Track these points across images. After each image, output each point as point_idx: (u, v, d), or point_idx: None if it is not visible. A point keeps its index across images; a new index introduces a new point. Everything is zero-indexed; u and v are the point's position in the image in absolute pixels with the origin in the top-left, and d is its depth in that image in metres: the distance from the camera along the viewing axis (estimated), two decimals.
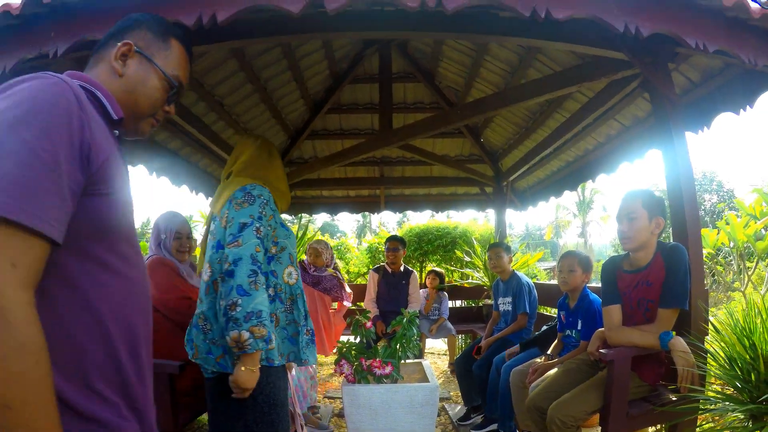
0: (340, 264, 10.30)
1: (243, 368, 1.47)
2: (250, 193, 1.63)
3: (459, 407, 3.96)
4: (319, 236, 6.86)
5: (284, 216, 3.91)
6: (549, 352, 2.99)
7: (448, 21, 2.16)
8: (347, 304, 3.99)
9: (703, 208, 23.93)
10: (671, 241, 2.39)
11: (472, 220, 9.65)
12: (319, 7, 1.51)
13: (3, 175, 0.66)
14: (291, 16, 1.55)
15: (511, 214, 5.86)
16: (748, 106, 2.64)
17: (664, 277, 2.15)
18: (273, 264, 1.69)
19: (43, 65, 2.16)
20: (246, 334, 1.44)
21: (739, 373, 1.90)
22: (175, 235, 2.61)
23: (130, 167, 3.24)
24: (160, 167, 3.59)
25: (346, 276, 10.38)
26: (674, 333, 2.10)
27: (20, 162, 0.67)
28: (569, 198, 37.24)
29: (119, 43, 1.00)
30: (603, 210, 37.54)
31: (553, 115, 3.92)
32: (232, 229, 1.56)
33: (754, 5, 1.90)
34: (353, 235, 35.85)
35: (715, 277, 6.60)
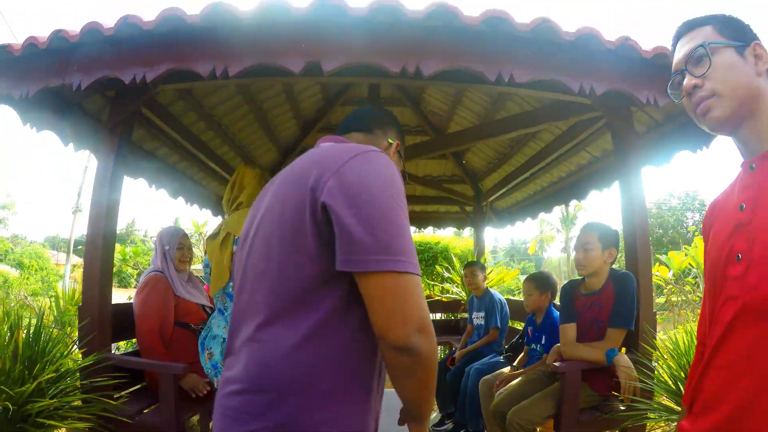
0: None
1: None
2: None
3: (435, 414, 4.21)
4: None
5: None
6: (515, 363, 3.26)
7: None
8: None
9: (685, 226, 24.70)
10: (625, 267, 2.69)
11: (454, 235, 9.95)
12: (316, 69, 1.77)
13: (406, 242, 0.89)
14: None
15: (496, 229, 6.12)
16: (704, 147, 2.94)
17: (614, 300, 2.44)
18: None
19: (65, 98, 2.41)
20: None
21: (675, 388, 2.21)
22: (177, 246, 2.87)
23: (131, 179, 3.49)
24: (159, 179, 3.82)
25: None
26: (620, 350, 2.39)
27: (406, 229, 0.90)
28: (553, 214, 37.90)
29: (396, 142, 1.28)
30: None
31: (530, 143, 4.22)
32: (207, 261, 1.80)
33: None
34: None
35: (684, 296, 6.96)
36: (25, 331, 2.18)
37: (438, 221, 6.50)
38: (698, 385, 0.96)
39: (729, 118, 0.95)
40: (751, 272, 0.86)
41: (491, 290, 4.17)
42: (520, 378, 2.85)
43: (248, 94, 3.70)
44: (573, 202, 4.97)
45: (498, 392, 2.84)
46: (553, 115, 3.10)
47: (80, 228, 20.52)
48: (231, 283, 1.94)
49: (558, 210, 23.91)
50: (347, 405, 0.93)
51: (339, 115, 5.09)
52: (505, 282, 6.16)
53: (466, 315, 5.36)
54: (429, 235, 8.41)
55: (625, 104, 2.68)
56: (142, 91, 2.03)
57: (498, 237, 68.38)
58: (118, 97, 2.45)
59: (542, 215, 5.97)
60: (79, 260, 22.09)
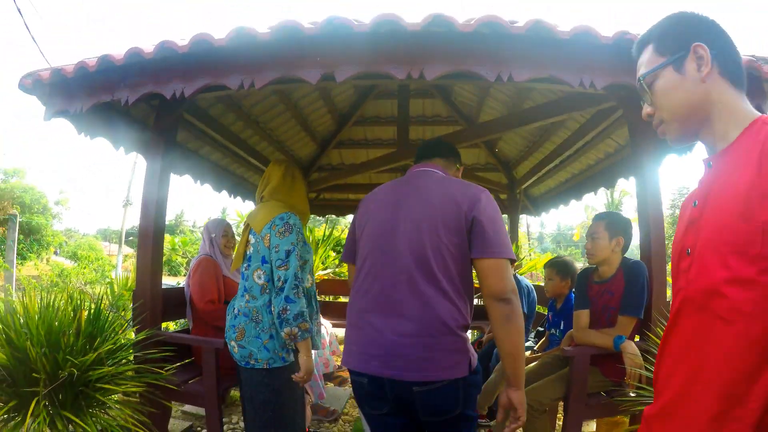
0: None
1: (303, 356, 2.08)
2: (287, 222, 2.15)
3: None
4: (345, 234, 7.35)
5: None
6: (536, 347, 3.40)
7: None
8: None
9: None
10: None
11: None
12: (331, 79, 1.97)
13: (508, 242, 1.59)
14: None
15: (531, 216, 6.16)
16: None
17: (624, 288, 2.54)
18: (301, 273, 2.18)
19: (114, 108, 2.70)
20: (295, 330, 2.02)
21: None
22: (222, 234, 3.25)
23: (177, 176, 3.82)
24: (203, 175, 4.15)
25: None
26: (634, 338, 2.49)
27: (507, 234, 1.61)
28: (598, 199, 36.68)
29: (462, 167, 2.05)
30: (634, 212, 36.72)
31: (557, 132, 4.27)
32: (280, 254, 2.09)
33: None
34: None
35: None
36: (86, 312, 2.53)
37: None
38: (656, 372, 1.01)
39: (682, 138, 1.02)
40: (693, 266, 0.92)
41: (519, 277, 4.27)
42: (536, 361, 2.99)
43: (283, 93, 3.95)
44: (619, 187, 4.97)
45: None
46: (573, 105, 3.16)
47: (130, 220, 21.76)
48: (244, 265, 2.22)
49: (603, 195, 23.20)
50: None
51: (371, 108, 5.26)
52: (537, 269, 6.21)
53: None
54: None
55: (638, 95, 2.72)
56: (183, 100, 2.28)
57: (544, 222, 66.88)
58: (162, 106, 2.74)
59: (587, 201, 5.97)
60: (130, 250, 23.51)
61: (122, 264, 20.24)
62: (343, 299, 7.15)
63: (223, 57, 2.05)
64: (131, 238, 28.05)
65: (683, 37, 1.00)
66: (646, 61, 1.06)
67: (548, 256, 6.74)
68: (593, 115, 3.46)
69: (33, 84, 2.38)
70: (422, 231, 1.60)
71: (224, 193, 4.72)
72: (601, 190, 4.85)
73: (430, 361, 1.53)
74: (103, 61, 2.13)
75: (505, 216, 8.00)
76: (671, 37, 1.02)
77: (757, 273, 0.79)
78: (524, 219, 24.56)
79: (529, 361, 3.09)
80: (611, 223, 2.64)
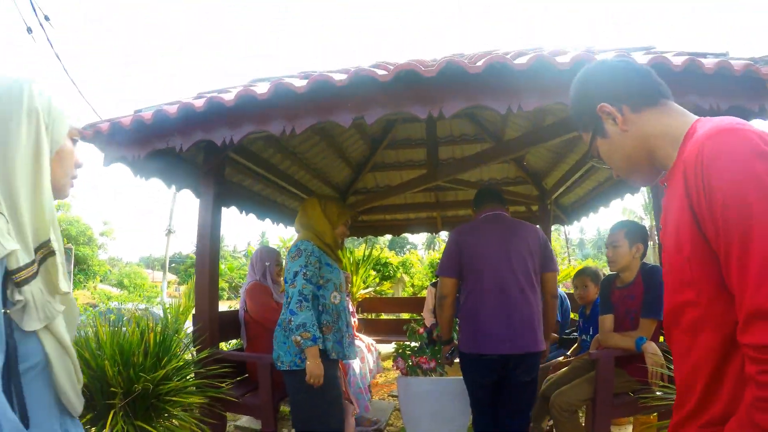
0: (406, 278, 11.10)
1: (308, 362, 2.36)
2: (299, 248, 2.52)
3: None
4: (385, 254, 7.63)
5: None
6: (569, 353, 3.54)
7: None
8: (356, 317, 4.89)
9: None
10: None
11: None
12: (361, 120, 2.26)
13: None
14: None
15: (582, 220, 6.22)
16: None
17: (643, 292, 2.69)
18: (321, 291, 2.55)
19: (167, 160, 3.05)
20: (298, 338, 2.33)
21: None
22: (275, 263, 3.60)
23: (224, 208, 4.17)
24: (248, 206, 4.51)
25: (410, 289, 11.13)
26: (658, 339, 2.62)
27: None
28: (635, 201, 35.70)
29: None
30: None
31: (579, 143, 4.42)
32: (289, 275, 2.47)
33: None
34: (423, 245, 36.66)
35: None
36: (152, 334, 2.85)
37: None
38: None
39: (646, 179, 1.10)
40: (666, 288, 1.01)
41: None
42: (567, 366, 3.14)
43: (318, 127, 4.27)
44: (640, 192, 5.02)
45: (546, 378, 3.16)
46: None
47: (172, 247, 22.73)
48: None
49: (641, 196, 22.72)
50: None
51: (401, 131, 5.51)
52: (571, 276, 6.29)
53: None
54: None
55: None
56: (231, 144, 2.59)
57: (584, 228, 65.32)
58: (209, 148, 3.07)
59: (626, 204, 6.03)
60: (172, 277, 24.48)
61: (167, 290, 21.08)
62: (384, 317, 7.39)
63: (265, 107, 2.36)
64: (173, 264, 29.13)
65: (587, 109, 1.09)
66: (584, 143, 1.17)
67: (588, 263, 6.80)
68: None
69: (93, 135, 2.72)
70: (522, 258, 2.65)
71: (267, 221, 5.07)
72: (641, 192, 4.94)
73: (533, 340, 2.56)
74: (157, 114, 2.48)
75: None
76: (581, 115, 1.12)
77: (696, 295, 0.89)
78: (563, 227, 24.25)
79: (560, 366, 3.25)
80: (630, 231, 2.80)
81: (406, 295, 10.48)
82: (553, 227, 7.46)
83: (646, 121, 1.02)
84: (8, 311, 0.89)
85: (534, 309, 2.61)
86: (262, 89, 2.31)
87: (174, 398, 2.61)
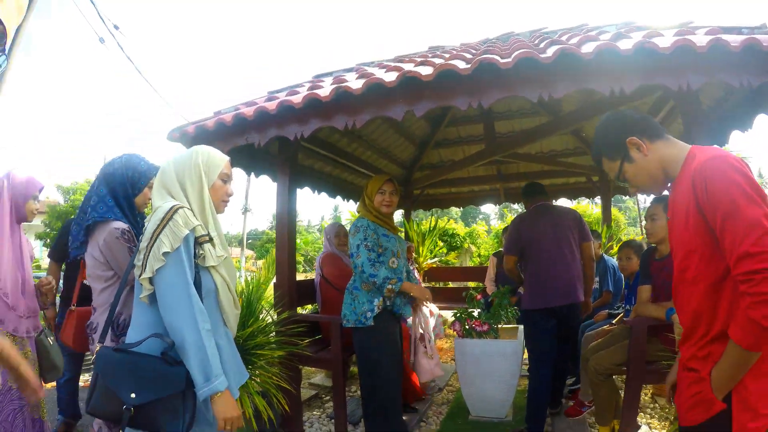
0: (473, 248, 11.36)
1: (414, 291, 2.98)
2: (356, 226, 3.00)
3: None
4: (452, 225, 7.87)
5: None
6: (614, 321, 3.73)
7: None
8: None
9: None
10: None
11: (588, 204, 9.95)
12: (410, 112, 2.61)
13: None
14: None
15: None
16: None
17: None
18: (381, 257, 2.99)
19: (246, 153, 3.52)
20: (390, 286, 2.84)
21: None
22: (335, 235, 4.15)
23: (298, 189, 4.68)
24: (320, 186, 5.02)
25: (477, 259, 11.38)
26: None
27: None
28: None
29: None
30: (759, 176, 32.96)
31: None
32: (352, 249, 2.93)
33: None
34: (496, 214, 36.34)
35: None
36: (241, 299, 3.35)
37: (570, 192, 6.79)
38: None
39: (660, 189, 1.56)
40: (675, 257, 1.50)
41: (605, 256, 4.57)
42: (609, 333, 3.36)
43: None
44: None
45: (591, 344, 3.40)
46: (635, 96, 3.47)
47: (249, 224, 24.17)
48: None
49: None
50: None
51: (457, 110, 5.73)
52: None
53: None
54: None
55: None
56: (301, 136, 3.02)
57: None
58: (284, 141, 3.52)
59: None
60: (249, 252, 26.02)
61: (245, 264, 22.53)
62: (452, 285, 7.74)
63: (328, 107, 2.77)
64: (250, 240, 30.85)
65: (617, 141, 1.52)
66: (608, 169, 1.60)
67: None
68: (654, 102, 3.75)
69: (180, 136, 3.25)
70: (565, 235, 3.56)
71: (338, 198, 5.56)
72: None
73: (576, 294, 3.46)
74: (237, 117, 2.98)
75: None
76: (612, 146, 1.55)
77: (697, 258, 1.36)
78: (640, 196, 23.17)
79: (605, 332, 3.47)
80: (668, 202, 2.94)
81: (472, 264, 10.82)
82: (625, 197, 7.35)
83: (660, 148, 1.48)
84: (196, 260, 1.65)
85: (575, 272, 3.52)
86: (324, 92, 2.70)
87: (259, 351, 3.12)
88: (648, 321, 2.85)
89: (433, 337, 4.42)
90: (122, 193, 2.25)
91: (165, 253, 1.56)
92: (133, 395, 1.50)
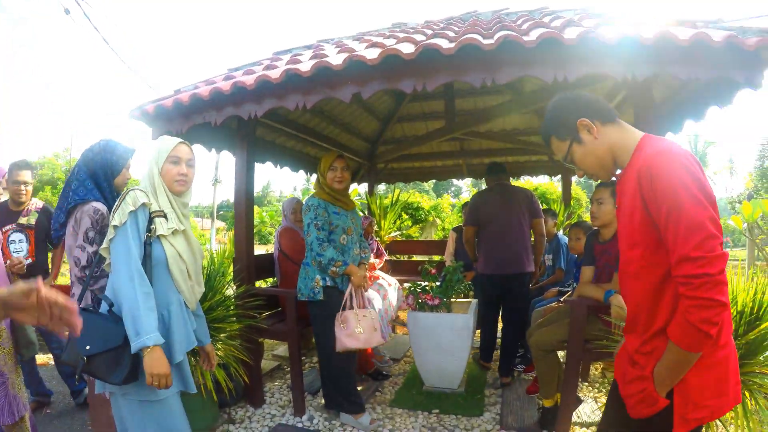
0: (438, 221, 11.52)
1: (353, 276, 3.15)
2: (307, 204, 3.19)
3: None
4: (416, 198, 7.92)
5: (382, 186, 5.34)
6: (562, 299, 3.91)
7: None
8: (385, 258, 5.56)
9: None
10: None
11: (550, 183, 10.16)
12: (359, 95, 2.62)
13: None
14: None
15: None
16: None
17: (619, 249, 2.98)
18: (332, 235, 3.17)
19: (205, 130, 3.51)
20: (334, 269, 3.04)
21: None
22: (291, 211, 4.17)
23: (259, 164, 4.67)
24: (282, 160, 5.01)
25: (441, 232, 11.57)
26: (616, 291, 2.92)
27: None
28: None
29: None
30: (729, 161, 33.81)
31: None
32: (305, 227, 3.12)
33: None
34: (469, 186, 36.62)
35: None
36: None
37: (531, 170, 6.90)
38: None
39: (609, 175, 1.51)
40: (620, 247, 1.50)
41: (559, 235, 4.73)
42: (554, 311, 3.52)
43: None
44: (703, 138, 5.06)
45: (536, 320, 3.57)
46: (587, 83, 3.55)
47: (219, 196, 23.99)
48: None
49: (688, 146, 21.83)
50: None
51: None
52: None
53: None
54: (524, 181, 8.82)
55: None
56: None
57: None
58: (241, 118, 3.52)
59: None
60: (221, 224, 25.76)
61: (215, 237, 22.35)
62: (416, 258, 7.87)
63: (281, 88, 2.77)
64: (221, 212, 30.58)
65: (568, 122, 1.49)
66: (557, 149, 1.56)
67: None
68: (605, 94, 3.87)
69: (141, 114, 3.27)
70: (517, 211, 4.05)
71: (301, 172, 5.56)
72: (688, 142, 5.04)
73: (525, 264, 3.99)
74: (193, 97, 2.98)
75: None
76: (563, 126, 1.51)
77: (641, 252, 1.36)
78: None
79: (551, 309, 3.63)
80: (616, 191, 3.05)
81: (436, 238, 11.00)
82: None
83: (611, 132, 1.46)
84: (149, 232, 1.86)
85: (525, 244, 4.06)
86: (275, 74, 2.70)
87: (218, 325, 3.19)
88: (588, 301, 2.97)
89: (394, 308, 4.57)
90: (102, 175, 2.41)
91: (114, 227, 1.82)
92: (87, 347, 1.74)
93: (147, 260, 1.85)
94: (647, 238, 1.34)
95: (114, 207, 1.88)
